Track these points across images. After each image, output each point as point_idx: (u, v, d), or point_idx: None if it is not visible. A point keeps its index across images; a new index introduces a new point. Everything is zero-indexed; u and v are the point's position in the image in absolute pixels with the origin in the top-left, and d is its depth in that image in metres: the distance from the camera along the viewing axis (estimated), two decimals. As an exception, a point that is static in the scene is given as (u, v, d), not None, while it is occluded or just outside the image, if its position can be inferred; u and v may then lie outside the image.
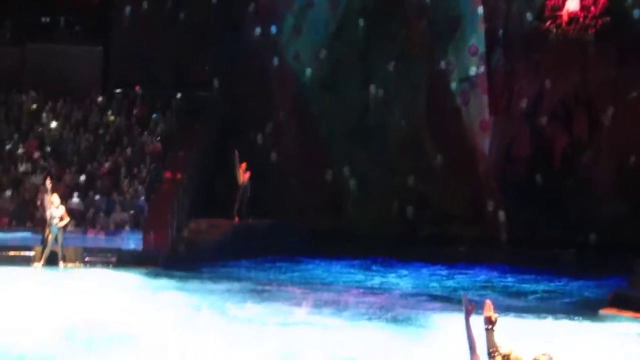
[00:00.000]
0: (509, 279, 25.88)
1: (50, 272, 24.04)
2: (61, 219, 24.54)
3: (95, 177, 29.62)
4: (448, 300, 21.61)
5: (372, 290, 23.43)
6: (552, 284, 25.00)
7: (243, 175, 29.23)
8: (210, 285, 22.63)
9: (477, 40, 30.88)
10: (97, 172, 29.76)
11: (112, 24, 35.20)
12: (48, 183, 25.04)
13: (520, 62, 30.81)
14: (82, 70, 33.89)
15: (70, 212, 25.78)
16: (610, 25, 29.54)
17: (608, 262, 26.49)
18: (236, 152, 29.20)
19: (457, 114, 30.94)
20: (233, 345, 15.95)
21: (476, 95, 30.89)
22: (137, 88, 33.82)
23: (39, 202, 26.76)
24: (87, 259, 25.16)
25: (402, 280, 25.54)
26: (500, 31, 30.79)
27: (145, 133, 31.72)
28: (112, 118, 32.19)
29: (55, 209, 24.56)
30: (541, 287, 24.61)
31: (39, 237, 25.23)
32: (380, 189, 31.32)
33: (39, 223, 26.13)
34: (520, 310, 20.05)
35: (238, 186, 29.24)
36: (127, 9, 34.20)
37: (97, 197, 28.69)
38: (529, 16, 30.60)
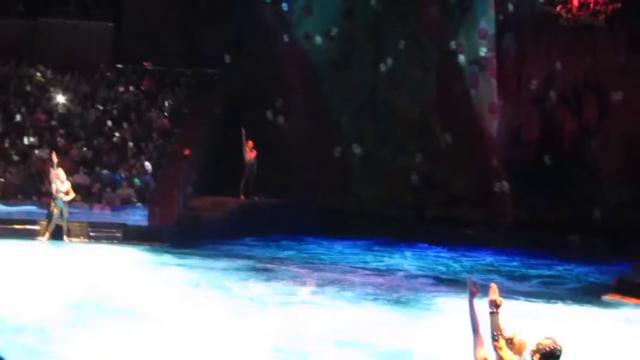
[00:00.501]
0: (514, 263, 25.90)
1: (55, 246, 24.04)
2: (67, 193, 24.53)
3: (101, 151, 29.63)
4: (453, 282, 21.57)
5: (376, 271, 23.41)
6: (557, 269, 25.01)
7: (249, 154, 29.25)
8: (213, 263, 22.57)
9: (487, 23, 30.72)
10: (104, 146, 29.77)
11: (123, 0, 35.14)
12: (54, 157, 25.00)
13: (530, 46, 30.68)
14: (93, 46, 33.88)
15: (76, 186, 25.78)
16: (621, 11, 29.41)
17: (614, 248, 26.52)
18: (243, 131, 29.19)
19: (466, 96, 30.86)
20: (233, 322, 15.93)
21: (485, 79, 30.77)
22: (146, 64, 33.80)
23: (45, 176, 26.76)
24: (92, 234, 25.11)
25: (407, 261, 25.55)
26: (511, 15, 30.65)
27: (153, 109, 31.72)
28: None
29: (60, 183, 24.54)
30: (546, 271, 24.62)
31: (45, 210, 25.24)
32: (387, 168, 31.30)
33: (45, 196, 26.16)
34: (524, 295, 20.04)
35: (245, 164, 29.26)
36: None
37: (105, 171, 28.71)
38: (539, 0, 30.47)
